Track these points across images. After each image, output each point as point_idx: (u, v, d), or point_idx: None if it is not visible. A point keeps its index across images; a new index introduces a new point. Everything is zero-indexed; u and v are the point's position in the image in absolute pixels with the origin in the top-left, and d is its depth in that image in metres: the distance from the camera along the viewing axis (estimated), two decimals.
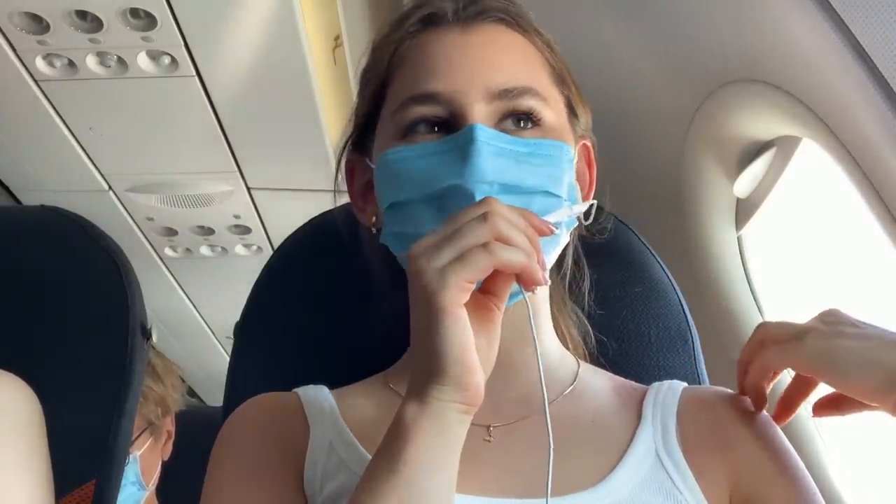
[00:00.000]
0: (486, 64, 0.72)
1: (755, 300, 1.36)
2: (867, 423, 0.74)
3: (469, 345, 0.59)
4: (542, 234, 0.62)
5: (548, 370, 0.78)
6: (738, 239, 1.37)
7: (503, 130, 0.71)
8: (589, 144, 0.82)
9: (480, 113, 0.70)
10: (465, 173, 0.67)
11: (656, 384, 0.80)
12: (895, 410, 0.64)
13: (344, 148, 0.84)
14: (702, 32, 1.18)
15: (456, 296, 0.58)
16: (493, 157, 0.68)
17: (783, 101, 1.08)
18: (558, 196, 0.71)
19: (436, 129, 0.71)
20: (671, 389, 0.79)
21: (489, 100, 0.71)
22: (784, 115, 1.11)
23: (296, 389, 0.81)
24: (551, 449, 0.62)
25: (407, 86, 0.73)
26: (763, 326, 0.75)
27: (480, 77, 0.71)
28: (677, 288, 0.97)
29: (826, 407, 0.74)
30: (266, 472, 0.72)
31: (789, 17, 0.96)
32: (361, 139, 0.80)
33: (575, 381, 0.79)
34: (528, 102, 0.72)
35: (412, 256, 0.60)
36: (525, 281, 0.61)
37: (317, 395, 0.80)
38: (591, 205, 0.78)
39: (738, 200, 1.35)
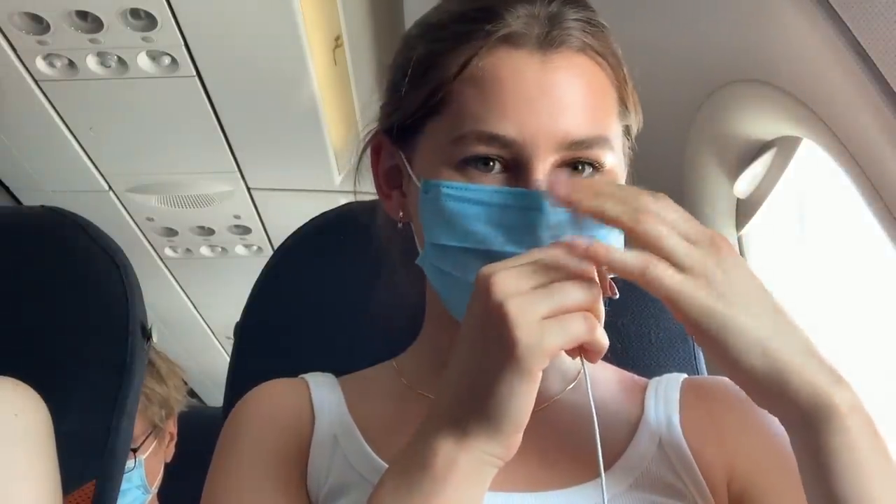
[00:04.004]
0: (563, 111, 0.67)
1: None
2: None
3: (530, 409, 0.56)
4: (605, 295, 0.59)
5: (559, 361, 0.75)
6: (739, 239, 1.37)
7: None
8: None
9: (546, 162, 0.66)
10: (527, 245, 0.63)
11: (656, 378, 0.80)
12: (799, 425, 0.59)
13: (372, 135, 0.78)
14: (702, 32, 1.18)
15: (546, 361, 0.55)
16: (555, 220, 0.64)
17: (783, 101, 1.08)
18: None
19: (493, 163, 0.67)
20: (672, 380, 0.79)
21: (558, 149, 0.67)
22: (784, 115, 1.11)
23: (304, 376, 0.81)
24: (600, 462, 0.61)
25: (474, 116, 0.67)
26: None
27: (555, 125, 0.66)
28: None
29: None
30: (270, 470, 0.72)
31: (789, 17, 0.96)
32: (401, 128, 0.74)
33: (579, 372, 0.78)
34: (595, 153, 0.68)
35: (493, 292, 0.55)
36: (592, 353, 0.59)
37: (325, 385, 0.79)
38: None
39: (738, 200, 1.35)
